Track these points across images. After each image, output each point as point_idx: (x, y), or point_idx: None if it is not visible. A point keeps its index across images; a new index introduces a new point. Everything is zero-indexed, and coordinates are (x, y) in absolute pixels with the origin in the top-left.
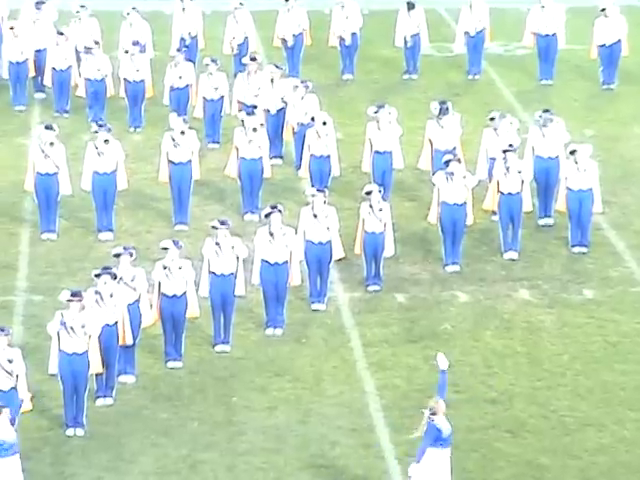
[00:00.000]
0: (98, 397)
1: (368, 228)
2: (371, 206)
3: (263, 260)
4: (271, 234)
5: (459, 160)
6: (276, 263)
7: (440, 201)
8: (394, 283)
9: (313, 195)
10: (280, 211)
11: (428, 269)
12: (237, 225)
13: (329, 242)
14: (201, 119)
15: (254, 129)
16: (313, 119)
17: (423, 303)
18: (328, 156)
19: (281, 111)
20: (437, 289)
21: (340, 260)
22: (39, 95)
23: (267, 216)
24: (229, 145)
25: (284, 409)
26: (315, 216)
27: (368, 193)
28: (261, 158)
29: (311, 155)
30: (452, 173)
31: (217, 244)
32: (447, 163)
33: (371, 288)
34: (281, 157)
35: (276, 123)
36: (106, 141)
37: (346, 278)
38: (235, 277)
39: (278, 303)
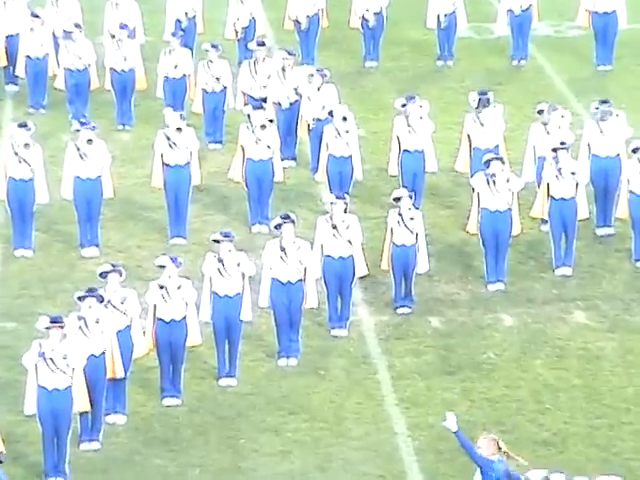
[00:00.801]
0: (83, 441)
1: (397, 240)
2: (400, 215)
3: (274, 279)
4: (283, 249)
5: (502, 160)
6: (289, 282)
7: (480, 208)
8: (428, 305)
9: (332, 202)
10: (293, 221)
11: (467, 288)
12: (243, 238)
13: (351, 257)
14: (201, 114)
15: (262, 126)
16: (331, 114)
17: (462, 328)
18: (349, 157)
19: (294, 105)
20: (478, 311)
21: (364, 278)
22: (11, 88)
23: (278, 227)
24: (233, 145)
25: (300, 453)
26: (334, 227)
27: (397, 200)
28: (271, 159)
29: (329, 155)
30: (494, 175)
31: (220, 261)
32: (488, 164)
33: (401, 310)
34: (294, 158)
35: (288, 119)
36: (89, 141)
37: (371, 299)
38: (241, 299)
39: (292, 329)
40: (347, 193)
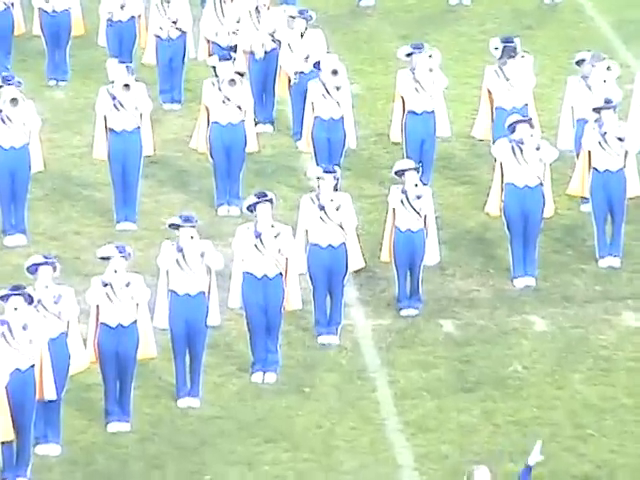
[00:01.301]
0: (6, 478)
1: (401, 224)
2: (404, 192)
3: (247, 273)
4: (258, 235)
5: (531, 123)
6: (265, 277)
7: (504, 184)
8: (439, 305)
9: (319, 177)
10: (271, 201)
11: (488, 284)
12: (208, 222)
13: (343, 246)
14: (154, 67)
15: (232, 81)
16: (318, 66)
17: (481, 334)
18: (340, 119)
19: (271, 55)
20: (502, 313)
21: (359, 272)
22: None
23: (252, 209)
24: (195, 105)
25: None
26: (322, 208)
27: (400, 173)
28: (242, 124)
29: (315, 118)
30: (521, 142)
31: (179, 251)
32: (514, 128)
33: (406, 312)
34: (272, 122)
35: (264, 72)
36: (13, 101)
37: (368, 298)
38: (206, 298)
39: (269, 335)
40: (338, 165)
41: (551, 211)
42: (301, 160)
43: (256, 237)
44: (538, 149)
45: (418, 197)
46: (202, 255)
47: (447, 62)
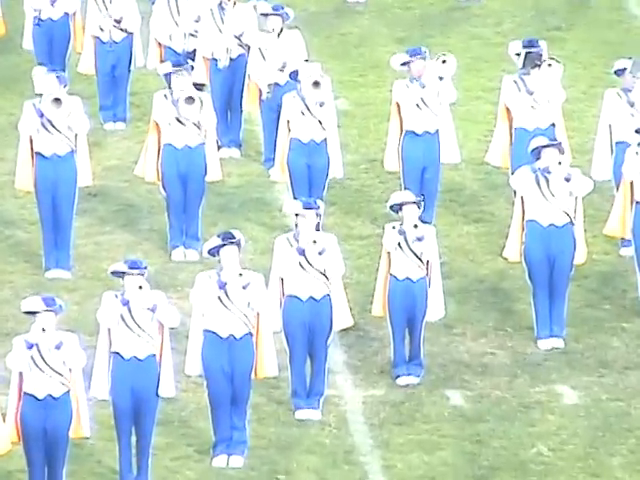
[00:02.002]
0: None
1: (398, 272)
2: (402, 233)
3: (209, 332)
4: (222, 286)
5: (560, 148)
6: (232, 337)
7: (526, 221)
8: (445, 371)
9: (298, 214)
10: (238, 243)
11: (506, 346)
12: (160, 269)
13: (327, 299)
14: (92, 77)
15: (189, 98)
16: (295, 76)
17: (497, 408)
18: (323, 142)
19: (238, 62)
20: (523, 382)
21: (347, 331)
22: None
23: (214, 253)
24: (143, 125)
25: None
26: (302, 252)
27: (397, 209)
28: (202, 147)
29: (292, 141)
30: (548, 171)
31: (125, 304)
32: (538, 153)
33: (403, 380)
34: (238, 145)
35: (229, 84)
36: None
37: (358, 363)
38: (158, 364)
39: (236, 409)
40: (320, 199)
41: (584, 256)
42: (275, 192)
43: (220, 288)
44: (568, 180)
45: (419, 239)
46: (153, 310)
47: (455, 71)
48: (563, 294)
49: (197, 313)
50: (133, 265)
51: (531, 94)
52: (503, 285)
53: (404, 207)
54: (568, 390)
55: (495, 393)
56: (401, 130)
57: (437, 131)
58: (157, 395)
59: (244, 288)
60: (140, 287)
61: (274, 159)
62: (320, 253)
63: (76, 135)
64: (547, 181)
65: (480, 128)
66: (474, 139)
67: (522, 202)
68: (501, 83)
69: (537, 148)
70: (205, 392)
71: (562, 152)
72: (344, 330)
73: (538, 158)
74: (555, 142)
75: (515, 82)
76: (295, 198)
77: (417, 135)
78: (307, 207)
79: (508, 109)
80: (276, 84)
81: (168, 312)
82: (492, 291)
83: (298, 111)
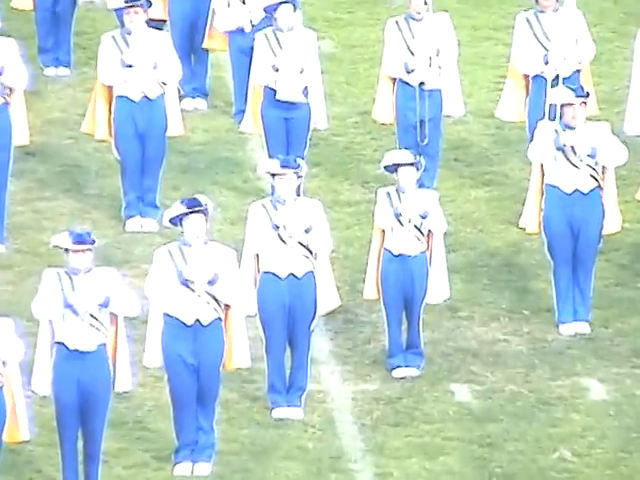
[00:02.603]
0: None
1: (393, 246)
2: (398, 198)
3: (170, 318)
4: (186, 262)
5: (585, 98)
6: (198, 324)
7: (545, 185)
8: (449, 361)
9: (275, 174)
10: (204, 211)
11: (522, 331)
12: (112, 243)
13: (310, 277)
14: (30, 14)
15: (142, 33)
16: (272, 10)
17: (511, 405)
18: (304, 90)
19: None
20: (542, 374)
21: (334, 314)
22: None
23: (176, 222)
24: (91, 71)
25: None
26: (276, 227)
27: (391, 170)
28: (161, 98)
29: (266, 89)
30: (571, 127)
31: (70, 284)
32: (559, 109)
33: (400, 372)
34: (204, 95)
35: (191, 21)
36: None
37: (346, 353)
38: (109, 355)
39: (202, 408)
40: (301, 157)
41: (615, 226)
42: (248, 150)
43: (185, 261)
44: (593, 156)
45: (417, 207)
46: (105, 304)
47: (461, 7)
48: (589, 270)
49: (157, 295)
50: (79, 238)
51: (548, 34)
52: (518, 260)
53: (400, 169)
54: (595, 384)
55: (509, 387)
56: (394, 78)
57: (439, 77)
58: (109, 391)
59: (211, 264)
60: (85, 268)
61: (245, 111)
62: (302, 222)
63: (10, 88)
64: (571, 141)
65: (490, 74)
66: (483, 87)
67: (541, 167)
68: (514, 21)
69: (557, 101)
70: (166, 387)
71: (586, 103)
72: (330, 313)
73: (556, 113)
74: (579, 93)
75: (528, 20)
76: (271, 156)
77: (411, 85)
78: (285, 166)
79: (521, 53)
80: (251, 23)
81: (122, 294)
82: (505, 267)
83: (270, 53)
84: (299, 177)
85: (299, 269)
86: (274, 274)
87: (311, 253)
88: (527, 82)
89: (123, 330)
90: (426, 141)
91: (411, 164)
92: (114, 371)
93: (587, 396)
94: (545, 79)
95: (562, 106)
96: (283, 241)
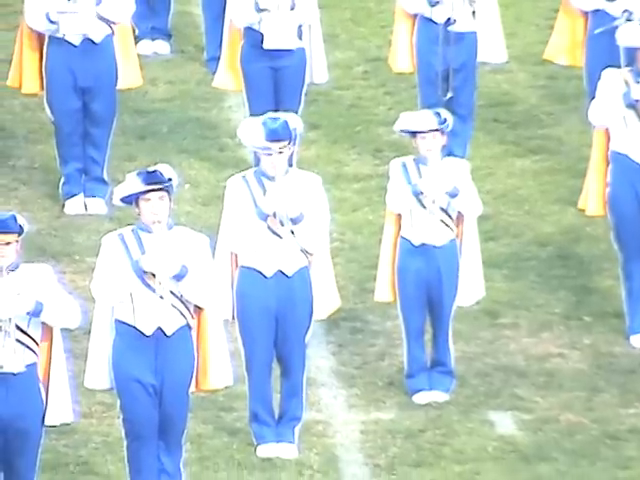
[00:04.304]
0: None
1: (412, 234)
2: (418, 172)
3: (123, 325)
4: (144, 251)
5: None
6: (159, 332)
7: (612, 153)
8: (488, 383)
9: (260, 148)
10: (168, 188)
11: (582, 343)
12: (46, 229)
13: (304, 273)
14: None
15: None
16: None
17: (570, 438)
18: (297, 31)
19: None
20: (610, 400)
21: (336, 320)
22: None
23: (131, 201)
24: (18, 3)
25: None
26: (263, 214)
27: (412, 134)
28: (110, 40)
29: (247, 31)
30: None
31: None
32: (632, 53)
33: (423, 397)
34: (168, 36)
35: None
36: None
37: (354, 371)
38: (41, 378)
39: (166, 443)
40: (295, 114)
41: None
42: (224, 109)
43: (142, 252)
44: None
45: (443, 182)
46: (35, 313)
47: None
48: None
49: (106, 296)
50: (2, 225)
51: None
52: (577, 250)
53: (421, 134)
54: None
55: (566, 417)
56: (414, 18)
57: (472, 13)
58: (39, 424)
59: (178, 255)
60: (9, 267)
61: (220, 57)
62: (296, 205)
63: None
64: None
65: (540, 7)
66: (531, 25)
67: (606, 129)
68: None
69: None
70: (118, 417)
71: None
72: (332, 320)
73: (633, 60)
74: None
75: None
76: (254, 116)
77: (435, 24)
78: (275, 139)
79: None
80: None
81: (61, 305)
82: (560, 260)
83: None
84: (291, 146)
85: (290, 265)
86: (257, 270)
87: (306, 242)
88: (586, 18)
89: (60, 345)
90: (449, 95)
91: (435, 130)
92: (47, 398)
93: None
94: (610, 15)
95: (637, 49)
96: (271, 230)
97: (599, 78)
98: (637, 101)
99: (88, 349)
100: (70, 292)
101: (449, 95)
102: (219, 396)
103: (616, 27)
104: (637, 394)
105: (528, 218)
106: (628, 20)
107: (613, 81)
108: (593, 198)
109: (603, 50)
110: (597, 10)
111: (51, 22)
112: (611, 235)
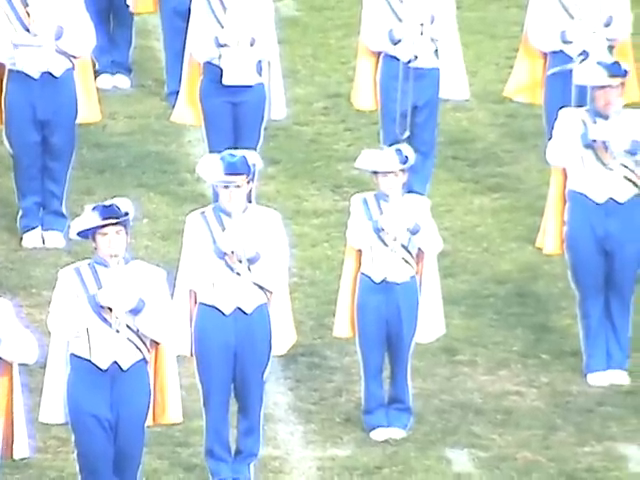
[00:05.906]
0: None
1: (372, 271)
2: (379, 208)
3: (78, 359)
4: (100, 285)
5: (623, 79)
6: (114, 368)
7: (568, 192)
8: (445, 420)
9: (219, 183)
10: (125, 222)
11: (540, 381)
12: (4, 262)
13: (262, 310)
14: None
15: None
16: None
17: (527, 478)
18: (257, 66)
19: None
20: (566, 438)
21: (294, 356)
22: None
23: (88, 235)
24: None
25: None
26: (221, 253)
27: (373, 171)
28: (70, 74)
29: (207, 66)
30: (604, 117)
31: None
32: (589, 90)
33: (380, 434)
34: (128, 70)
35: None
36: None
37: (311, 407)
38: None
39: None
40: (254, 151)
41: None
42: (184, 144)
43: (99, 289)
44: (634, 153)
45: (403, 219)
46: None
47: None
48: (627, 302)
49: (62, 330)
50: None
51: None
52: (535, 288)
53: (381, 173)
54: (636, 451)
55: (523, 455)
56: (379, 50)
57: (435, 51)
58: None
59: (133, 293)
60: None
61: (179, 91)
62: (251, 261)
63: None
64: (605, 144)
65: (500, 47)
66: (491, 63)
67: (562, 171)
68: None
69: (586, 83)
70: (73, 452)
71: (623, 85)
72: (290, 356)
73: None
74: (615, 68)
75: None
76: (213, 150)
77: (397, 59)
78: (232, 172)
79: (538, 20)
80: None
81: (18, 340)
82: (518, 298)
83: (211, 18)
84: (250, 180)
85: (248, 303)
86: (216, 308)
87: (263, 279)
88: (545, 59)
89: (17, 380)
90: (407, 134)
91: (401, 163)
92: (11, 433)
93: (625, 467)
94: (568, 56)
95: (592, 88)
96: (230, 267)
97: (557, 117)
98: (594, 141)
99: (43, 383)
100: (27, 326)
101: (406, 134)
102: (175, 431)
103: (571, 69)
104: (594, 433)
105: (486, 255)
106: (583, 62)
107: (570, 121)
108: (550, 236)
109: (561, 90)
110: (556, 51)
111: (9, 57)
112: (568, 273)
